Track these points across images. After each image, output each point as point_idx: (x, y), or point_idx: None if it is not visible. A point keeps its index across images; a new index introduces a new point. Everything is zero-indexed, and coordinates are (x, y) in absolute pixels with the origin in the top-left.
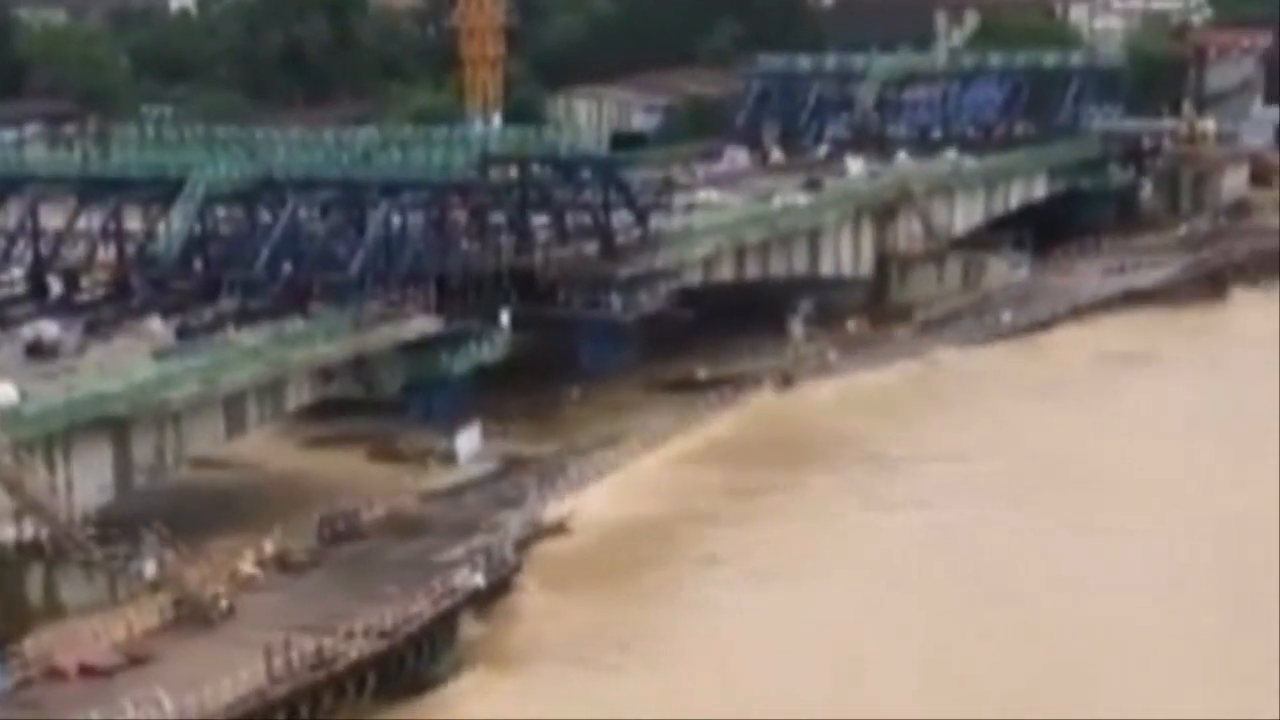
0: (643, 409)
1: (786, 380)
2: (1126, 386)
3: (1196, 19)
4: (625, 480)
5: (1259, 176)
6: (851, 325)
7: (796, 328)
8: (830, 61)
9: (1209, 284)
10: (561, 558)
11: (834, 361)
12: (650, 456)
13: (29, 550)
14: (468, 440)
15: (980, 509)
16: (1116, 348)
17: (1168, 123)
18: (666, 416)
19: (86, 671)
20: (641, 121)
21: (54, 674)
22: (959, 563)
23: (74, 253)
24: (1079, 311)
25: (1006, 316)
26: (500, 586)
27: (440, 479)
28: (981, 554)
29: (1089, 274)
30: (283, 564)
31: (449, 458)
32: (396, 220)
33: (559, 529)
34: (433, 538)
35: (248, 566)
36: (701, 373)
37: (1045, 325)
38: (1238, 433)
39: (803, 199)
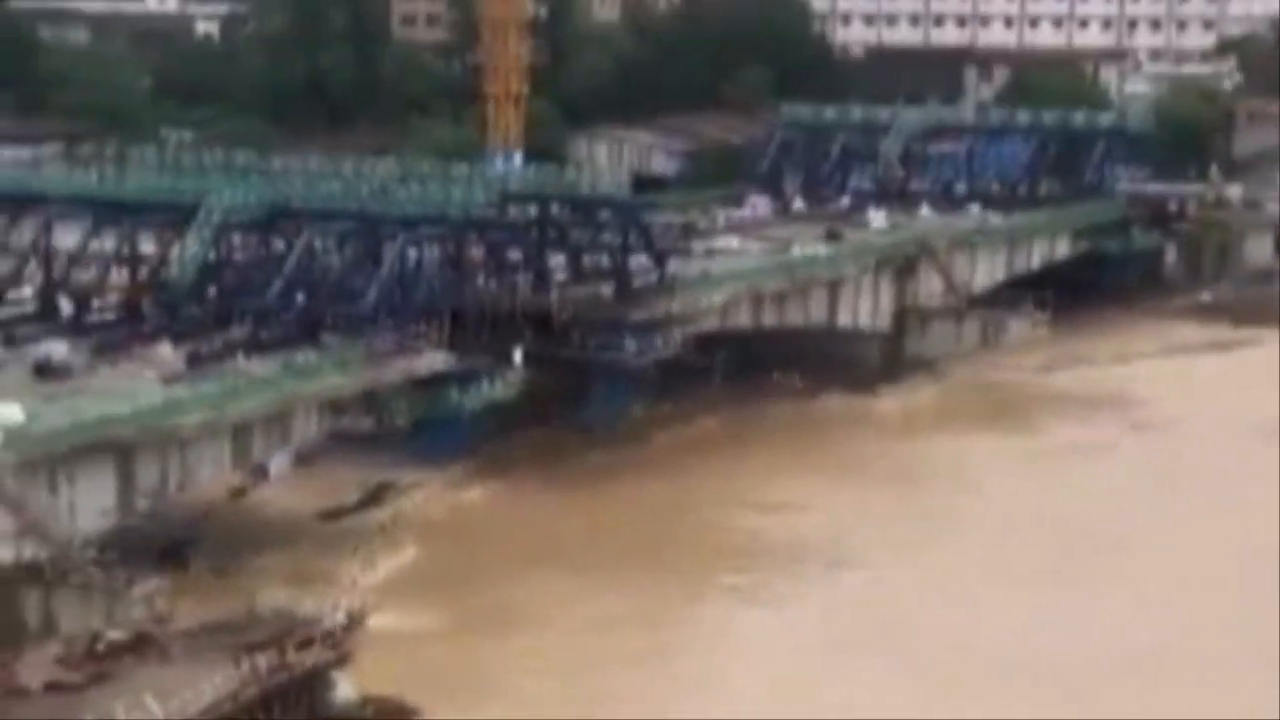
0: None
1: None
2: None
3: (1227, 84)
4: None
5: None
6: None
7: None
8: (856, 112)
9: None
10: None
11: None
12: None
13: (28, 572)
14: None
15: None
16: None
17: (1194, 187)
18: None
19: (51, 689)
20: (663, 165)
21: (17, 692)
22: None
23: (86, 274)
24: None
25: None
26: None
27: None
28: None
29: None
30: None
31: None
32: (413, 254)
33: None
34: None
35: None
36: None
37: None
38: None
39: (823, 249)
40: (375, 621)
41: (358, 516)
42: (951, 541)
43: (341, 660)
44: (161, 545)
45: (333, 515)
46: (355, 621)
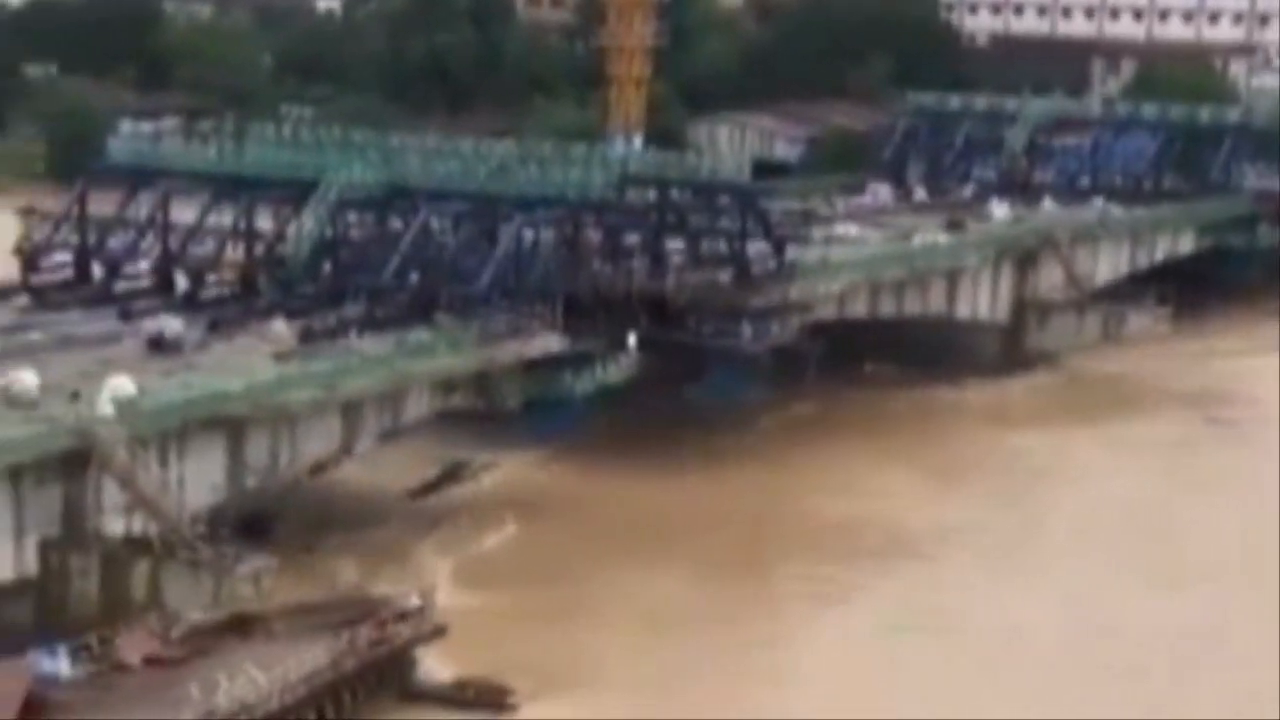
0: None
1: None
2: None
3: None
4: None
5: None
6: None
7: None
8: (981, 102)
9: None
10: None
11: None
12: None
13: (137, 546)
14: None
15: None
16: None
17: None
18: None
19: (151, 662)
20: (785, 151)
21: (119, 667)
22: None
23: (203, 249)
24: None
25: None
26: None
27: None
28: None
29: None
30: None
31: None
32: (529, 236)
33: None
34: None
35: None
36: None
37: None
38: None
39: (943, 239)
40: (460, 602)
41: (442, 494)
42: (1053, 537)
43: (435, 638)
44: (244, 519)
45: (416, 493)
46: (438, 602)
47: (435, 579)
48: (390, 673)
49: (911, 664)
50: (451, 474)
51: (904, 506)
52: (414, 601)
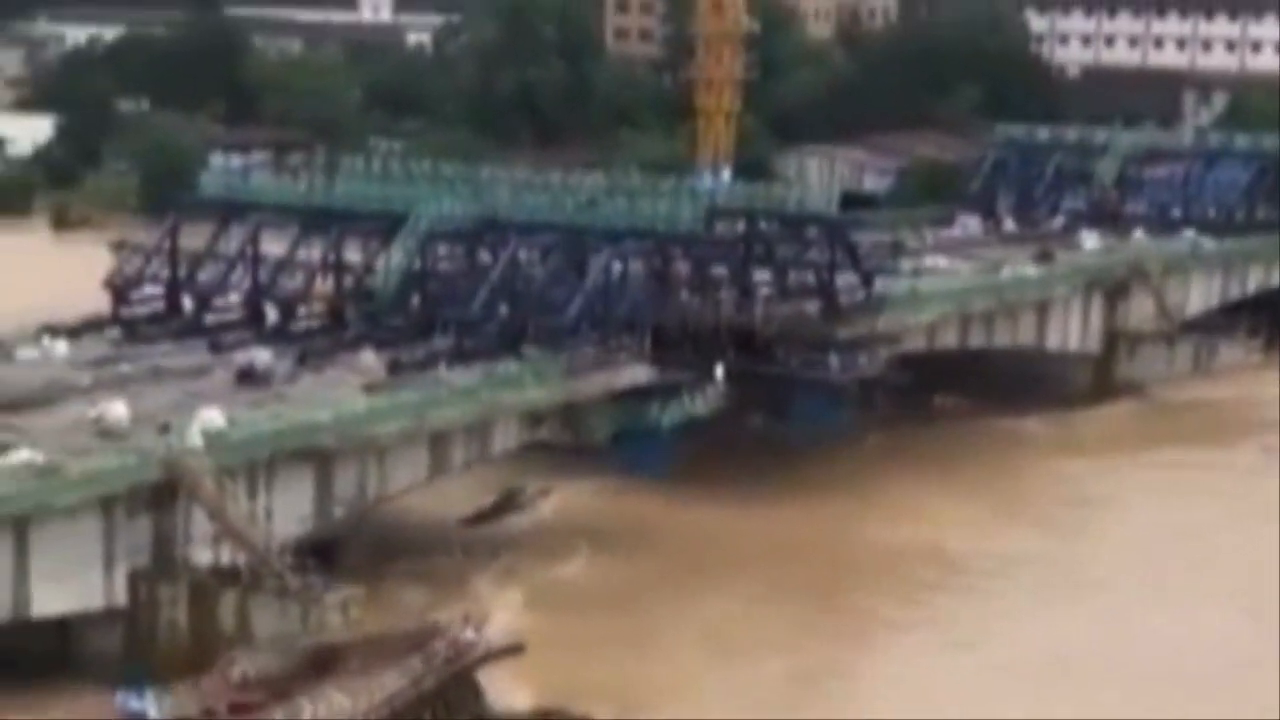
0: None
1: None
2: None
3: None
4: None
5: None
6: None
7: None
8: (1072, 134)
9: None
10: None
11: None
12: None
13: (226, 576)
14: None
15: None
16: None
17: None
18: None
19: (236, 709)
20: (874, 183)
21: (209, 714)
22: None
23: (292, 282)
24: None
25: None
26: None
27: None
28: None
29: None
30: None
31: None
32: (617, 268)
33: None
34: None
35: None
36: None
37: None
38: None
39: (1033, 270)
40: (533, 627)
41: (504, 521)
42: (1125, 569)
43: (509, 657)
44: (311, 545)
45: (471, 520)
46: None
47: (503, 605)
48: (466, 698)
49: (969, 689)
50: (507, 502)
51: (970, 536)
52: (476, 629)
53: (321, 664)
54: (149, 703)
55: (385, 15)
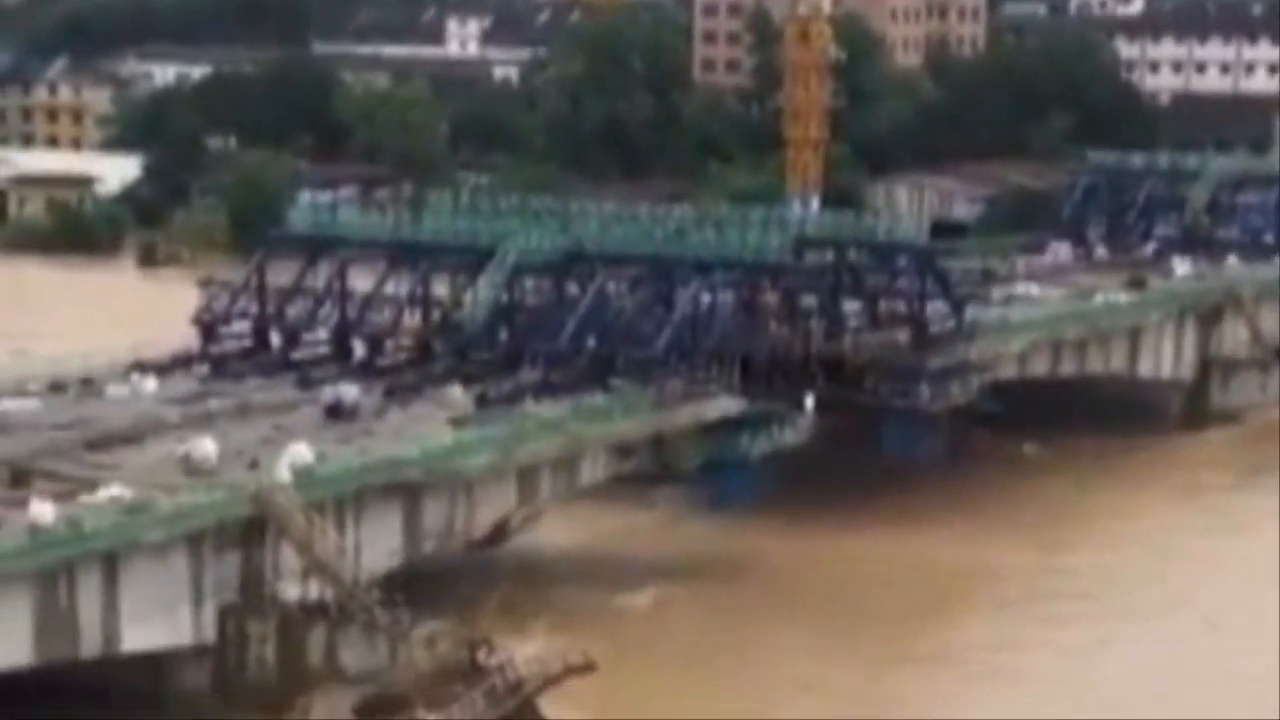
0: None
1: None
2: None
3: None
4: None
5: None
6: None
7: None
8: (1163, 160)
9: None
10: None
11: None
12: None
13: (314, 611)
14: None
15: None
16: None
17: None
18: None
19: None
20: (964, 210)
21: None
22: None
23: (380, 317)
24: None
25: None
26: None
27: None
28: None
29: None
30: None
31: None
32: (706, 298)
33: None
34: None
35: None
36: None
37: None
38: None
39: (1124, 297)
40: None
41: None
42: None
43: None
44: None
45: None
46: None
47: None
48: None
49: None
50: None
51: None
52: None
53: (388, 709)
54: None
55: (472, 49)
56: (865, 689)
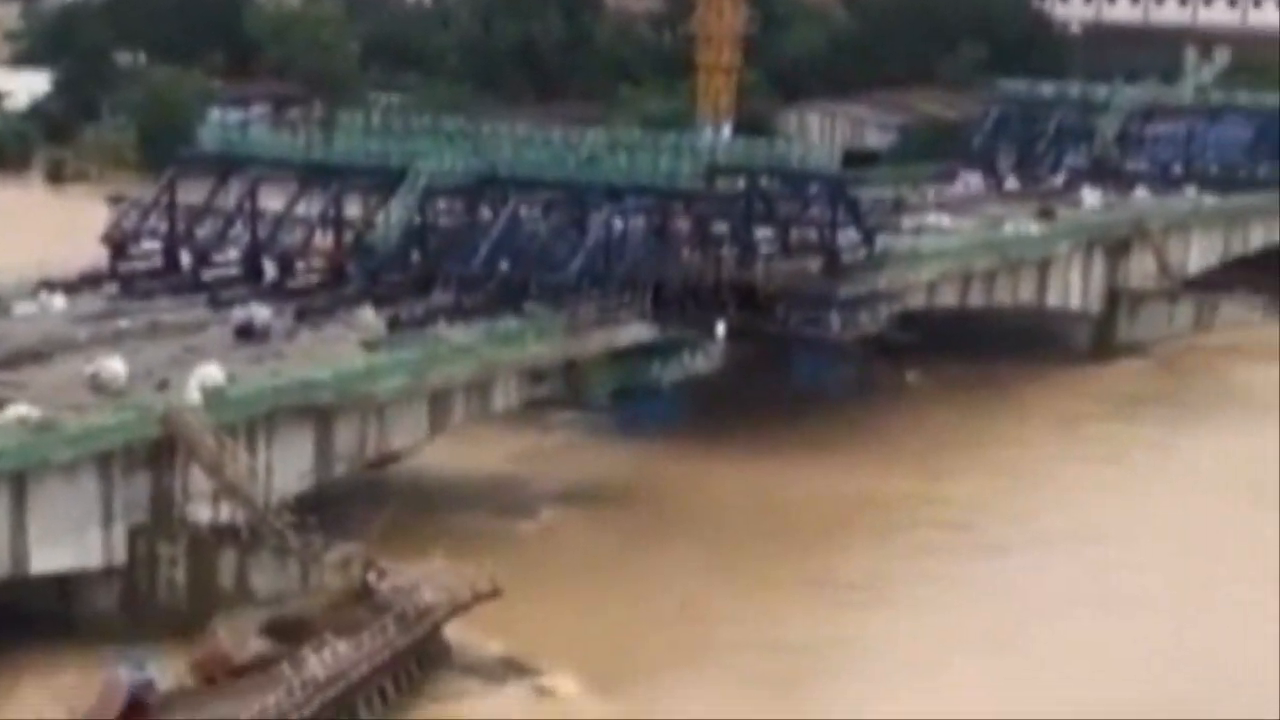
0: None
1: None
2: None
3: None
4: None
5: None
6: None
7: None
8: (1073, 90)
9: None
10: None
11: None
12: None
13: (224, 534)
14: None
15: None
16: None
17: None
18: None
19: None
20: (875, 140)
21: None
22: None
23: (291, 237)
24: None
25: None
26: None
27: None
28: None
29: None
30: None
31: None
32: (618, 225)
33: None
34: None
35: None
36: None
37: None
38: None
39: (1035, 228)
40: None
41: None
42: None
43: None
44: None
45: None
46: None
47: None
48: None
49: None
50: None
51: (969, 492)
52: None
53: (292, 634)
54: (152, 671)
55: None
56: (741, 609)
